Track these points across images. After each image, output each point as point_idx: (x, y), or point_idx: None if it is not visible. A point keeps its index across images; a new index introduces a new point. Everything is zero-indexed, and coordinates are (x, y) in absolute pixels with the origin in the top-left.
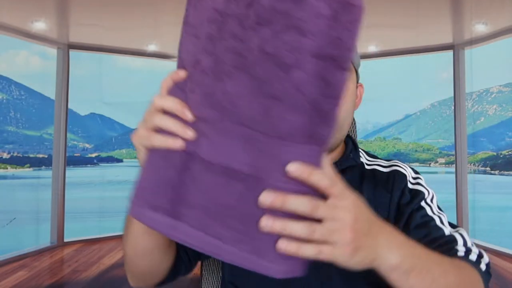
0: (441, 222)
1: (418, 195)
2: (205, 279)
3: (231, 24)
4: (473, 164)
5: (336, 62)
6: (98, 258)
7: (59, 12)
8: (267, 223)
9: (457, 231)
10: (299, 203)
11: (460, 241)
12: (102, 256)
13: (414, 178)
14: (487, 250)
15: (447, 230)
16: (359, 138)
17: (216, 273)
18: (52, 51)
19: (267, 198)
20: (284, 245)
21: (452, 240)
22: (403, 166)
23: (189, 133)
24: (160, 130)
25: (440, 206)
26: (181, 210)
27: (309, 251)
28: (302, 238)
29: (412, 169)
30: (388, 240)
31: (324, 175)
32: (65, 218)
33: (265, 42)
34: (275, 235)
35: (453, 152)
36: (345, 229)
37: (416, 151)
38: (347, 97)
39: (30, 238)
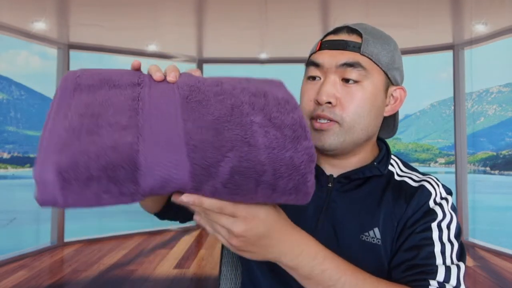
0: (443, 250)
1: (430, 215)
2: (223, 275)
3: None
4: (473, 164)
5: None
6: (98, 258)
7: (59, 12)
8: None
9: (454, 266)
10: (211, 203)
11: (440, 277)
12: (102, 256)
13: (441, 198)
14: (487, 250)
15: (441, 260)
16: None
17: (234, 270)
18: (52, 51)
19: (188, 197)
20: (197, 218)
21: (432, 272)
22: (433, 184)
23: (158, 75)
24: None
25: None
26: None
27: (208, 227)
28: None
29: (446, 189)
30: (285, 249)
31: (226, 204)
32: (65, 218)
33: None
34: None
35: (453, 152)
36: (231, 237)
37: (416, 151)
38: (359, 100)
39: (30, 238)
